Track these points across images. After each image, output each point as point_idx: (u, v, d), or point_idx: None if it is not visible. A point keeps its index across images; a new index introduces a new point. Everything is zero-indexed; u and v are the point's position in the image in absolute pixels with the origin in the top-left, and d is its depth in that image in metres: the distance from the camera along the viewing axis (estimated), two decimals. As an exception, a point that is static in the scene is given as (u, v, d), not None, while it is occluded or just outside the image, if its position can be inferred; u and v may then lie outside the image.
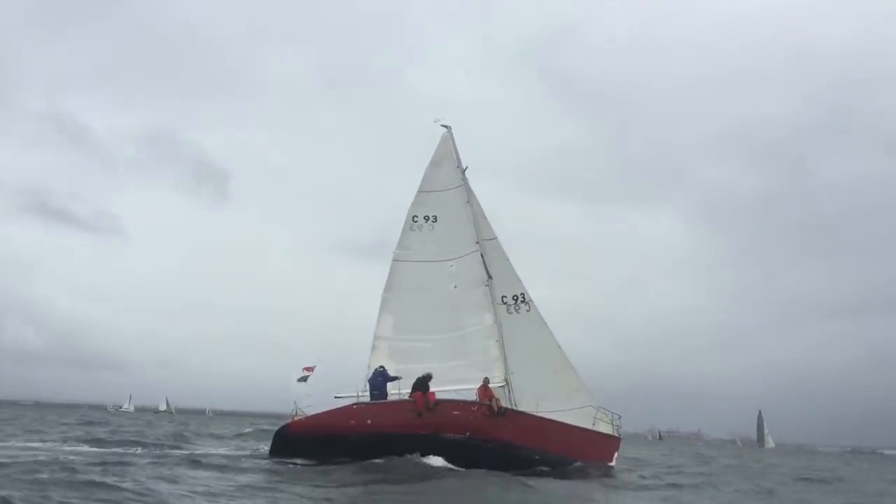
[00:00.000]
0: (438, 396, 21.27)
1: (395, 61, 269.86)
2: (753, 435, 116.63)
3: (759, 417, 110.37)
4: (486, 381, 21.88)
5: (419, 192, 25.17)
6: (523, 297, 24.44)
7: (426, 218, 24.93)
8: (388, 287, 24.28)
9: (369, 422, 20.20)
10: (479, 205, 25.23)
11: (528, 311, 24.42)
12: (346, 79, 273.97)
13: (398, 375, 21.57)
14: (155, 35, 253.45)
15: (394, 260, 24.59)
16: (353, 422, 20.24)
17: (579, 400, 23.39)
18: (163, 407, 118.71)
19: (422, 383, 21.10)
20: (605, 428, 23.16)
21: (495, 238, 25.02)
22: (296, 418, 20.96)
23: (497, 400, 21.23)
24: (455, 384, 22.38)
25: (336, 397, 21.90)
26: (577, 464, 21.79)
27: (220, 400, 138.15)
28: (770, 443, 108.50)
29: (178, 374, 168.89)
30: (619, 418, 23.55)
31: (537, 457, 20.79)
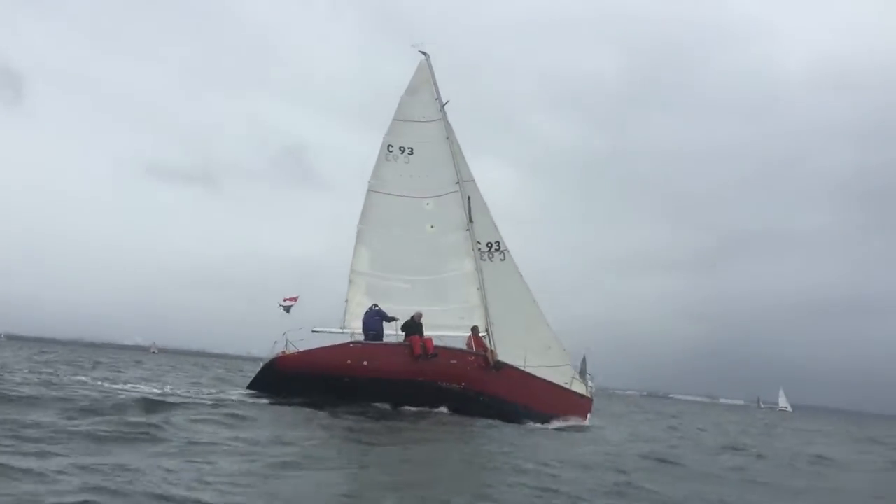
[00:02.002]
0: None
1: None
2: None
3: (583, 363, 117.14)
4: (476, 330, 20.70)
5: (394, 120, 23.15)
6: (498, 246, 23.11)
7: (401, 149, 22.91)
8: (364, 218, 22.21)
9: (366, 363, 18.52)
10: (458, 143, 23.45)
11: (502, 259, 23.13)
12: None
13: (395, 316, 19.68)
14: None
15: (368, 190, 22.52)
16: (349, 361, 18.40)
17: (554, 356, 22.57)
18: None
19: (416, 326, 19.39)
20: (578, 387, 22.50)
21: (473, 180, 23.39)
22: (285, 352, 18.61)
23: (493, 352, 19.98)
24: (433, 330, 20.64)
25: (314, 331, 20.15)
26: (555, 421, 21.03)
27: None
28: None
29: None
30: (592, 378, 22.97)
31: (521, 412, 20.00)
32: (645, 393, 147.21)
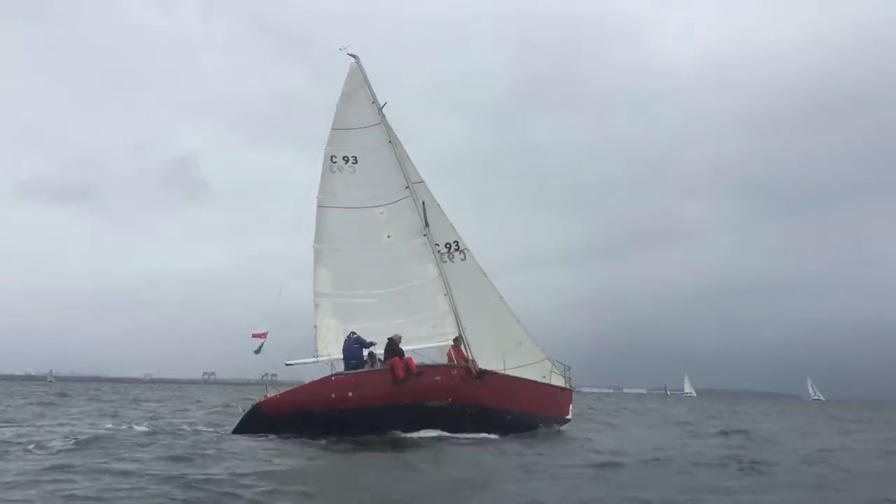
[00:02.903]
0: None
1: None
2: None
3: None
4: (456, 340, 20.18)
5: (333, 129, 22.22)
6: (457, 245, 22.45)
7: (345, 159, 21.96)
8: (318, 237, 21.28)
9: (350, 394, 17.69)
10: (401, 145, 22.56)
11: (462, 259, 22.48)
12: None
13: (374, 341, 18.90)
14: None
15: (318, 206, 21.52)
16: (333, 395, 17.61)
17: (526, 352, 22.12)
18: None
19: (396, 347, 18.74)
20: (557, 380, 22.17)
21: (422, 181, 22.57)
22: (268, 395, 17.79)
23: (473, 362, 19.41)
24: (407, 343, 19.88)
25: (287, 364, 19.51)
26: (539, 419, 20.73)
27: None
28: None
29: None
30: (569, 369, 22.68)
31: (508, 417, 19.67)
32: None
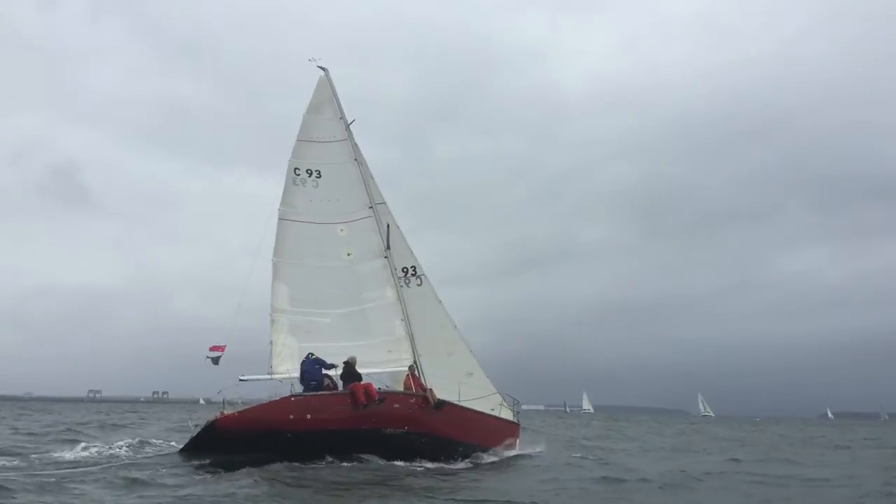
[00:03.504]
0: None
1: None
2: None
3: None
4: (412, 368, 19.92)
5: (298, 140, 21.71)
6: (414, 270, 22.15)
7: (309, 172, 21.47)
8: (277, 250, 20.65)
9: (309, 416, 17.14)
10: (366, 164, 22.16)
11: (419, 285, 22.18)
12: None
13: (334, 363, 18.43)
14: None
15: (279, 218, 20.90)
16: (292, 416, 17.01)
17: (477, 382, 21.94)
18: None
19: (354, 372, 18.35)
20: (506, 414, 22.11)
21: (384, 203, 22.21)
22: (224, 413, 16.97)
23: (431, 391, 19.14)
24: (360, 367, 19.39)
25: (241, 380, 18.75)
26: (488, 452, 20.59)
27: None
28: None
29: None
30: (518, 403, 22.67)
31: (460, 448, 19.48)
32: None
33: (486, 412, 21.18)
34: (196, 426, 17.83)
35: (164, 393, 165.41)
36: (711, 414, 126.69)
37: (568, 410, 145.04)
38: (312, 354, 18.35)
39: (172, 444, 19.41)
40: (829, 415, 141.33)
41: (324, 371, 18.18)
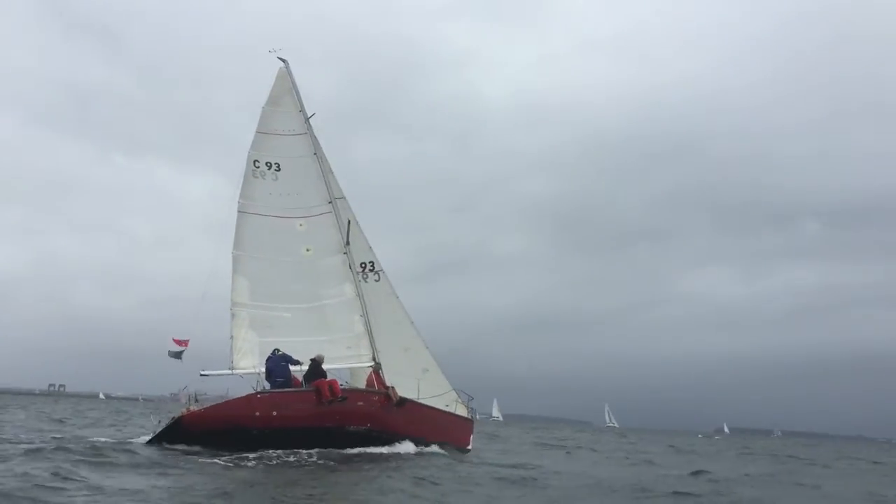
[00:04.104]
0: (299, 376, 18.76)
1: None
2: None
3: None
4: (377, 366, 20.13)
5: (257, 132, 21.40)
6: (372, 266, 22.12)
7: (268, 165, 21.20)
8: (237, 243, 20.41)
9: (275, 413, 17.21)
10: (326, 159, 21.99)
11: (377, 280, 22.17)
12: None
13: (300, 360, 18.38)
14: None
15: (238, 211, 20.61)
16: (257, 413, 17.04)
17: (432, 379, 22.15)
18: None
19: (319, 369, 18.41)
20: (461, 410, 22.41)
21: (343, 197, 22.09)
22: (190, 409, 16.94)
23: (393, 389, 19.30)
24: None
25: (202, 374, 18.56)
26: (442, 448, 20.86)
27: None
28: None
29: None
30: (472, 400, 23.01)
31: (417, 444, 19.61)
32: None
33: (443, 409, 21.47)
34: (160, 422, 17.63)
35: (60, 386, 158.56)
36: (616, 425, 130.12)
37: (478, 417, 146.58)
38: (279, 350, 18.24)
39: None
40: (726, 430, 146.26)
41: (291, 367, 18.00)
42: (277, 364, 17.97)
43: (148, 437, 17.39)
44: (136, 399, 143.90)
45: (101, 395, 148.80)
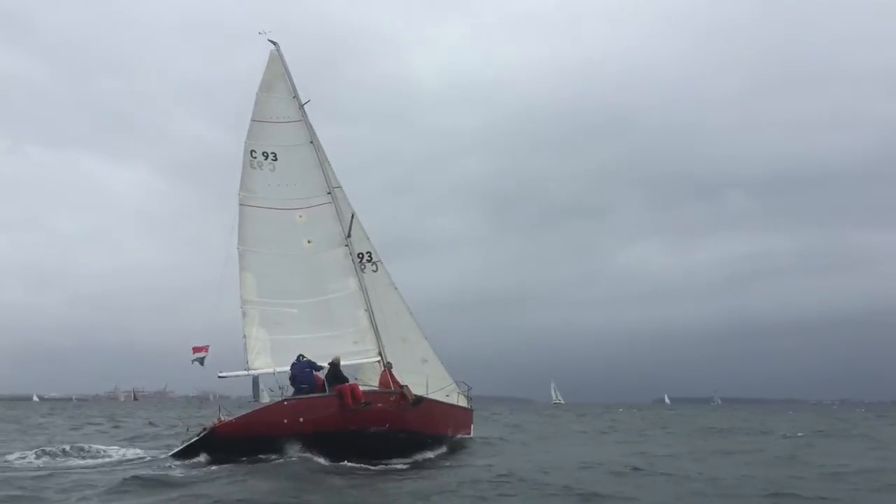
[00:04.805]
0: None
1: None
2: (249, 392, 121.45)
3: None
4: (389, 365, 19.73)
5: (252, 121, 20.70)
6: (370, 256, 21.64)
7: (265, 154, 20.53)
8: (241, 238, 19.79)
9: (301, 420, 16.95)
10: (322, 147, 21.33)
11: (374, 271, 21.70)
12: None
13: (322, 365, 18.07)
14: None
15: (240, 204, 19.94)
16: (285, 420, 16.79)
17: (431, 369, 21.87)
18: None
19: (339, 373, 18.15)
20: (462, 401, 22.31)
21: (340, 187, 21.49)
22: (222, 419, 16.75)
23: (408, 388, 19.02)
24: (326, 360, 18.95)
25: (220, 377, 18.63)
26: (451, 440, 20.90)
27: None
28: (266, 397, 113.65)
29: None
30: (471, 389, 22.87)
31: (429, 440, 19.53)
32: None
33: (448, 401, 21.30)
34: (188, 429, 17.84)
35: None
36: (562, 401, 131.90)
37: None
38: (303, 357, 17.95)
39: None
40: (667, 400, 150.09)
41: (314, 373, 17.84)
42: (302, 370, 17.73)
43: (177, 449, 17.05)
44: (70, 399, 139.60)
45: (35, 398, 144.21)
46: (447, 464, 17.66)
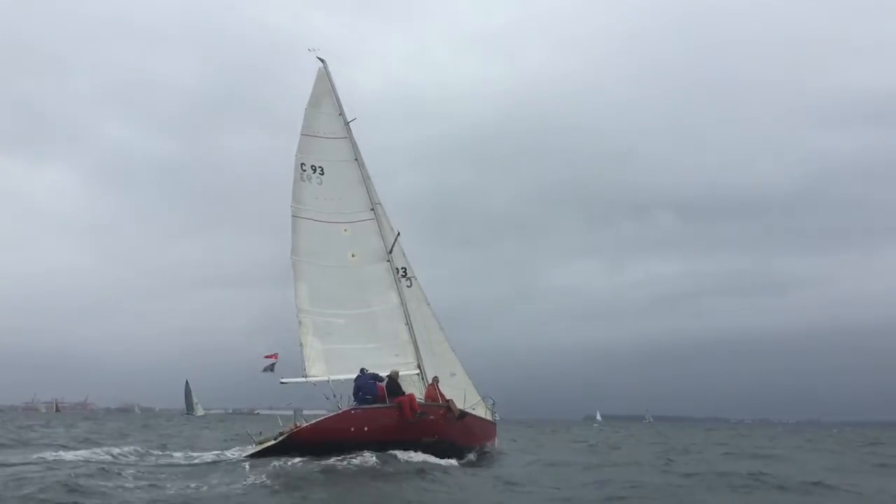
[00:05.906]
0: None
1: None
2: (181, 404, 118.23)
3: (187, 386, 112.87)
4: (436, 380, 20.50)
5: (302, 134, 21.40)
6: (405, 272, 22.39)
7: (313, 168, 21.21)
8: (295, 248, 20.53)
9: (366, 429, 17.98)
10: (365, 165, 21.99)
11: (409, 286, 22.46)
12: None
13: (384, 376, 18.98)
14: None
15: (292, 215, 20.65)
16: (352, 429, 17.80)
17: (459, 382, 22.70)
18: None
19: (397, 387, 19.06)
20: (488, 414, 23.21)
21: (380, 203, 22.18)
22: (298, 425, 17.85)
23: (453, 402, 19.99)
24: (373, 370, 19.62)
25: (282, 382, 19.14)
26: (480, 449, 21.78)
27: None
28: (200, 411, 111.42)
29: None
30: (494, 403, 23.76)
31: (466, 451, 20.37)
32: (231, 410, 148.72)
33: (476, 413, 22.15)
34: (260, 433, 18.73)
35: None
36: (498, 418, 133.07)
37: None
38: (366, 370, 18.78)
39: None
40: (598, 417, 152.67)
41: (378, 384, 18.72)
42: (366, 382, 18.54)
43: (252, 450, 17.73)
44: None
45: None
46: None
